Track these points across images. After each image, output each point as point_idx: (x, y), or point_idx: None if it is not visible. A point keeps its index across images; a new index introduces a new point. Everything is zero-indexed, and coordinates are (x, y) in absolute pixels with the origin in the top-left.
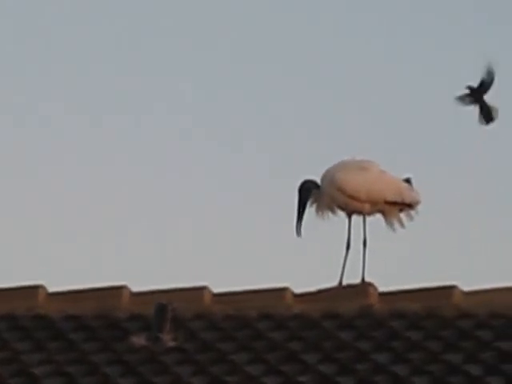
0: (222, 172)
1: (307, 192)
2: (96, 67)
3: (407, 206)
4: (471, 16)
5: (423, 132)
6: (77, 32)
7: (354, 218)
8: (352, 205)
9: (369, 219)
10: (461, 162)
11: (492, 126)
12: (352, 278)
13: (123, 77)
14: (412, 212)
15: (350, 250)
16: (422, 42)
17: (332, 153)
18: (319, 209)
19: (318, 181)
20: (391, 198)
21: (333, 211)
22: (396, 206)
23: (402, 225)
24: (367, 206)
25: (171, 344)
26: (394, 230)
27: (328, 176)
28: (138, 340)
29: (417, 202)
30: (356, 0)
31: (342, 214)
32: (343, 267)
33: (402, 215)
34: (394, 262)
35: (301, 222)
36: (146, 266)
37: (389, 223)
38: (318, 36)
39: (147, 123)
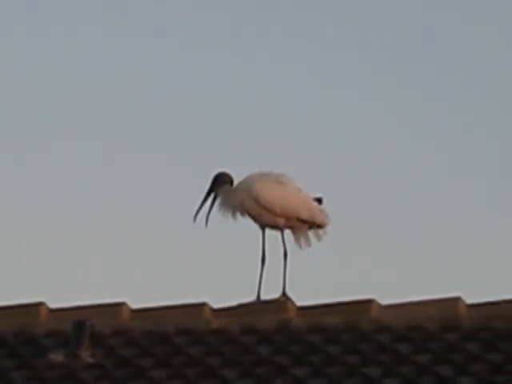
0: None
1: (219, 184)
2: None
3: (317, 225)
4: None
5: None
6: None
7: (269, 231)
8: (265, 217)
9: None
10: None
11: None
12: (274, 292)
13: None
14: (320, 232)
15: (266, 264)
16: None
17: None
18: (224, 206)
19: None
20: (304, 216)
21: (234, 215)
22: (306, 225)
23: (309, 243)
24: (281, 221)
25: (90, 360)
26: (301, 247)
27: (246, 183)
28: (57, 356)
29: (326, 223)
30: None
31: (244, 222)
32: (260, 281)
33: (310, 234)
34: (312, 276)
35: (199, 210)
36: (64, 283)
37: (297, 240)
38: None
39: None
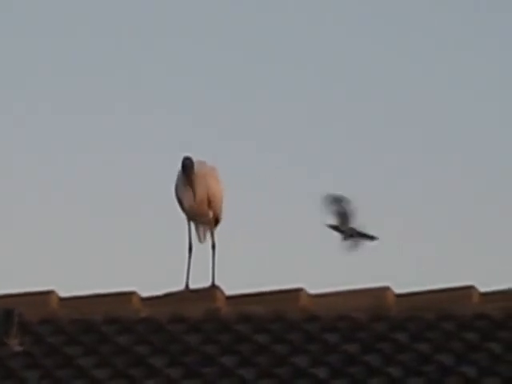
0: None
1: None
2: None
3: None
4: None
5: None
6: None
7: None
8: (204, 211)
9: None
10: None
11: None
12: (203, 282)
13: None
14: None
15: (193, 253)
16: None
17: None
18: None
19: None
20: (221, 214)
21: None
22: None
23: (205, 238)
24: (211, 214)
25: (18, 349)
26: (201, 240)
27: (200, 178)
28: None
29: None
30: None
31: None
32: (188, 270)
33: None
34: (242, 265)
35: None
36: None
37: (201, 234)
38: None
39: None
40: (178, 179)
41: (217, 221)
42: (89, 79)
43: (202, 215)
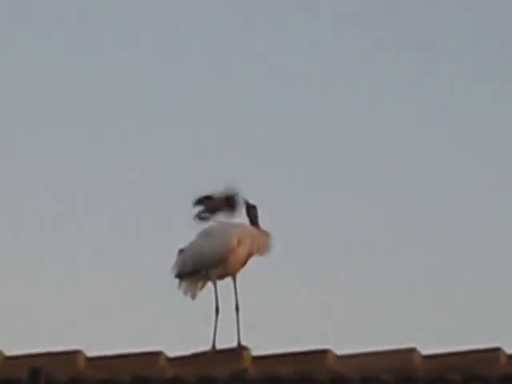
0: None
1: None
2: None
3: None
4: None
5: None
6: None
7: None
8: (238, 268)
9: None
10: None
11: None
12: (230, 342)
13: None
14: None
15: (220, 314)
16: None
17: None
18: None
19: None
20: None
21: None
22: None
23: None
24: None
25: None
26: (192, 298)
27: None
28: None
29: None
30: None
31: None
32: (214, 331)
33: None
34: (267, 325)
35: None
36: (19, 329)
37: (194, 291)
38: None
39: None
40: (254, 238)
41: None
42: None
43: (236, 272)
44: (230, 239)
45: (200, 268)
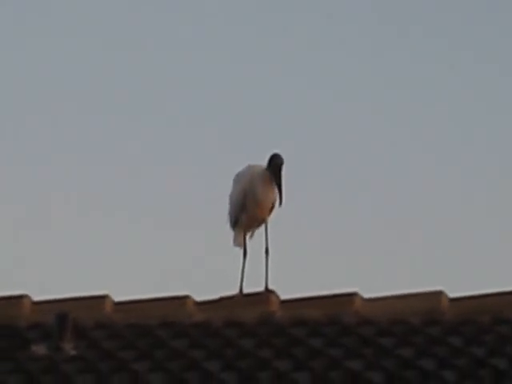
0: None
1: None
2: None
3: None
4: None
5: None
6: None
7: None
8: (266, 216)
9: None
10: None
11: None
12: (257, 286)
13: None
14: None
15: (248, 258)
16: None
17: None
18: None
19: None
20: None
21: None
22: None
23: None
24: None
25: (72, 353)
26: (240, 247)
27: (253, 186)
28: (39, 349)
29: None
30: None
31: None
32: (242, 275)
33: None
34: (296, 269)
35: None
36: (47, 275)
37: (239, 237)
38: None
39: None
40: (256, 181)
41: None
42: None
43: (263, 220)
44: (244, 182)
45: (235, 214)
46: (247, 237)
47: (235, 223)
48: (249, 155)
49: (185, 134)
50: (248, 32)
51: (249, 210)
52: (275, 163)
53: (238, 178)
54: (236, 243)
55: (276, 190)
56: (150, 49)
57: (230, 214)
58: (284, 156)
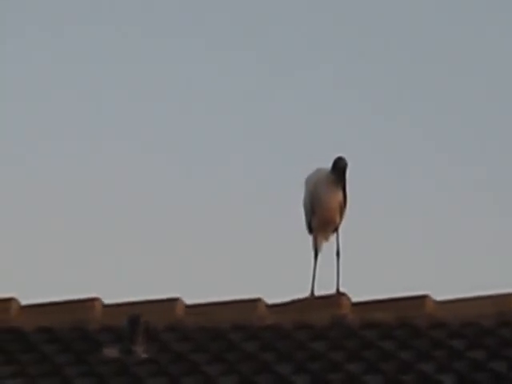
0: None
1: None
2: None
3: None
4: None
5: None
6: None
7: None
8: (335, 219)
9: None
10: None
11: None
12: (328, 289)
13: None
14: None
15: (319, 260)
16: None
17: None
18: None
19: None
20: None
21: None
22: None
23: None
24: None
25: (144, 356)
26: (320, 249)
27: (318, 189)
28: (111, 352)
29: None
30: None
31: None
32: (313, 277)
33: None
34: (366, 272)
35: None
36: (119, 278)
37: (318, 242)
38: None
39: None
40: (320, 184)
41: (336, 229)
42: None
43: (334, 222)
44: (310, 186)
45: (307, 218)
46: (322, 240)
47: (309, 227)
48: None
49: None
50: None
51: (317, 213)
52: (339, 166)
53: (306, 181)
54: (314, 247)
55: (341, 193)
56: None
57: (305, 218)
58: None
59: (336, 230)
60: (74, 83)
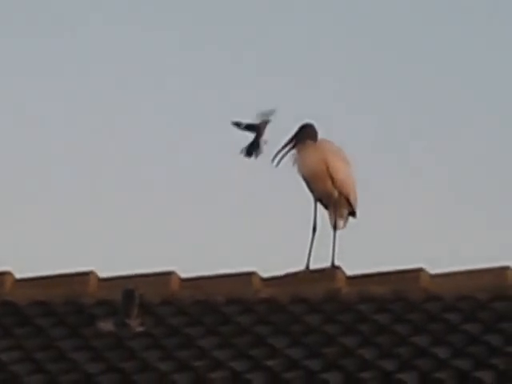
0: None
1: (303, 136)
2: None
3: (351, 211)
4: None
5: None
6: None
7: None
8: (326, 185)
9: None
10: None
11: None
12: (323, 262)
13: None
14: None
15: (317, 233)
16: None
17: None
18: (298, 161)
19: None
20: (352, 198)
21: (303, 173)
22: (347, 208)
23: (344, 225)
24: (336, 193)
25: (139, 329)
26: (336, 227)
27: (322, 152)
28: (106, 325)
29: (355, 212)
30: None
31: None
32: (310, 251)
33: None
34: (361, 245)
35: (279, 154)
36: (113, 252)
37: (333, 220)
38: None
39: None
40: (303, 152)
41: (352, 209)
42: None
43: (325, 193)
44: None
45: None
46: (337, 217)
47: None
48: None
49: None
50: None
51: (309, 184)
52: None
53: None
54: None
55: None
56: None
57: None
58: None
59: (350, 204)
60: None
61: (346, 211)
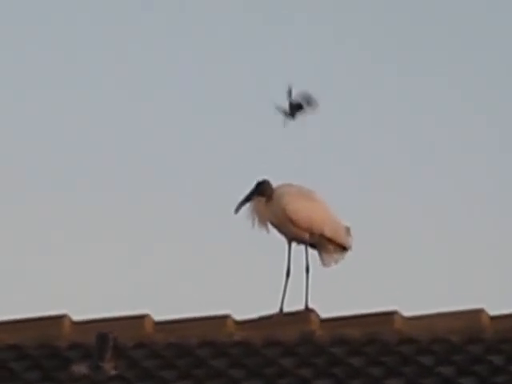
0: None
1: (260, 192)
2: None
3: (341, 247)
4: None
5: None
6: None
7: (294, 245)
8: (291, 229)
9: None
10: None
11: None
12: (296, 305)
13: None
14: (338, 255)
15: (291, 277)
16: None
17: None
18: (254, 214)
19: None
20: (328, 233)
21: (261, 224)
22: (330, 243)
23: (332, 262)
24: (306, 235)
25: (113, 373)
26: (325, 265)
27: (278, 197)
28: (80, 369)
29: (350, 246)
30: None
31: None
32: (284, 294)
33: (336, 254)
34: (335, 288)
35: (240, 207)
36: (87, 295)
37: (320, 257)
38: None
39: None
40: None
41: (343, 247)
42: None
43: (294, 235)
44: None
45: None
46: (327, 258)
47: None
48: None
49: None
50: None
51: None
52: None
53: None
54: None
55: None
56: None
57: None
58: None
59: (342, 247)
60: None
61: (332, 247)
